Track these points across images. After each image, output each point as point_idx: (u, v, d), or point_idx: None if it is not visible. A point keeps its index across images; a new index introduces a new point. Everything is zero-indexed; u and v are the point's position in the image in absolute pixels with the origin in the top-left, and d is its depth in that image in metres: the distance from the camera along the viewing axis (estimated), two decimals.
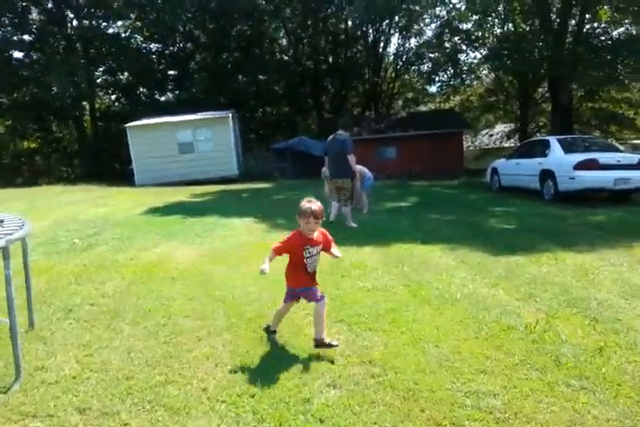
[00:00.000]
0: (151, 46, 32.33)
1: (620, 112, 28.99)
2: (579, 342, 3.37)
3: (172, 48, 32.49)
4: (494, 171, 13.63)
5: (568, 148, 10.82)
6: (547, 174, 10.73)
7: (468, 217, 8.82)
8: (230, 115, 20.09)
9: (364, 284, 4.77)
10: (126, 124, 20.20)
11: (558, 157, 10.54)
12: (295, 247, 3.54)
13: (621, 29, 20.11)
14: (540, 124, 33.59)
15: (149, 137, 19.46)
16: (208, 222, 8.44)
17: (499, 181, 13.35)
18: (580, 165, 9.86)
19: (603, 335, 3.49)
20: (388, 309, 4.08)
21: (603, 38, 19.31)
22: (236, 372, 3.09)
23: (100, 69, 30.16)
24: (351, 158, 7.94)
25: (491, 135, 37.20)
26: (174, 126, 19.81)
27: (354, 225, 8.08)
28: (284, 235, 6.94)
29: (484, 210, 9.77)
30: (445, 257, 5.83)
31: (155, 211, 10.25)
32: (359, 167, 9.55)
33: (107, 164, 29.33)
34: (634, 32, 18.67)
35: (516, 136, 33.36)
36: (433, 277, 4.95)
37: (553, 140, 11.19)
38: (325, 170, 10.28)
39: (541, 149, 11.44)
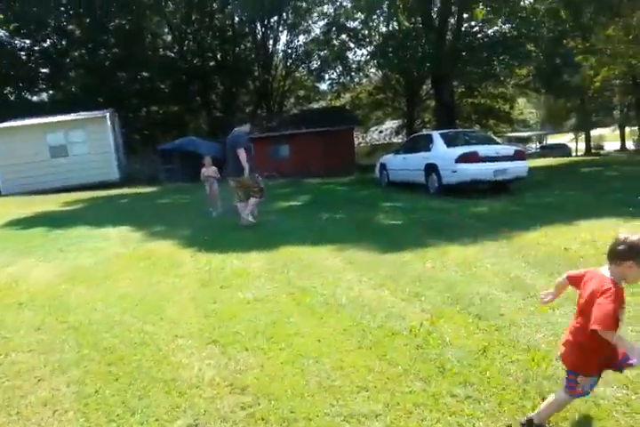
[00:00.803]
0: (17, 42, 29.28)
1: (497, 106, 31.07)
2: (463, 344, 3.22)
3: (42, 43, 29.69)
4: (383, 166, 13.82)
5: (450, 142, 11.14)
6: (431, 168, 10.98)
7: (357, 214, 8.72)
8: (108, 114, 18.63)
9: (245, 295, 4.36)
10: None
11: (441, 151, 10.81)
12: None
13: (496, 28, 21.41)
14: (426, 119, 35.19)
15: (16, 141, 17.47)
16: (75, 234, 7.56)
17: (387, 176, 13.54)
18: (462, 158, 10.17)
19: (486, 333, 3.38)
20: (268, 322, 3.71)
21: (479, 36, 20.43)
22: (78, 420, 2.55)
23: None
24: (240, 153, 7.39)
25: (380, 131, 38.40)
26: (44, 128, 17.97)
27: (252, 220, 7.65)
28: (158, 245, 6.33)
29: (373, 206, 9.76)
30: (333, 258, 5.58)
31: (16, 223, 9.08)
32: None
33: None
34: (507, 31, 19.91)
35: (404, 132, 34.71)
36: (319, 282, 4.66)
37: (436, 135, 11.48)
38: (204, 170, 9.69)
39: (425, 143, 11.70)
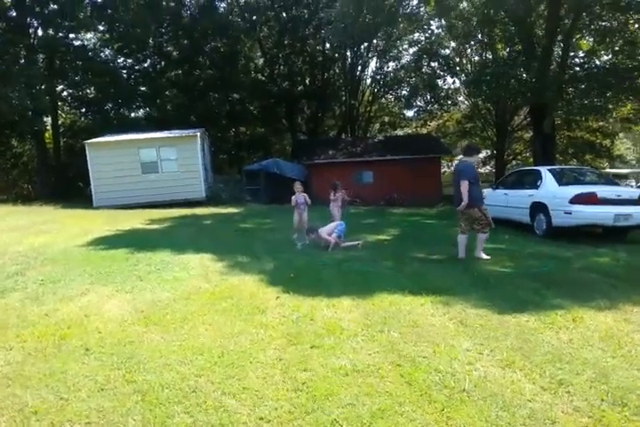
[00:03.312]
0: (120, 61, 31.09)
1: (598, 141, 28.95)
2: None
3: (142, 63, 31.31)
4: None
5: (561, 179, 10.00)
6: (539, 208, 9.85)
7: (456, 256, 7.79)
8: (199, 133, 18.90)
9: (341, 361, 3.62)
10: (85, 141, 18.80)
11: (552, 190, 9.68)
12: None
13: (605, 58, 19.87)
14: (517, 151, 33.45)
15: (110, 155, 18.07)
16: (157, 260, 7.19)
17: None
18: (578, 199, 9.00)
19: None
20: (374, 410, 2.94)
21: (587, 66, 18.96)
22: None
23: (65, 83, 28.65)
24: (463, 184, 7.21)
25: None
26: (137, 144, 18.48)
27: (485, 257, 7.45)
28: (240, 280, 5.80)
29: (471, 247, 8.75)
30: (439, 315, 4.73)
31: (100, 241, 8.94)
32: (325, 229, 8.55)
33: (70, 183, 27.68)
34: (618, 61, 18.33)
35: (492, 163, 33.13)
36: (429, 350, 3.84)
37: (545, 171, 10.35)
38: (295, 197, 9.20)
39: (531, 179, 10.59)
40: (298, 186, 9.33)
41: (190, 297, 5.27)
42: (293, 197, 9.23)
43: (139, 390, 3.17)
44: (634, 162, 56.51)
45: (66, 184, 27.32)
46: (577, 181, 10.17)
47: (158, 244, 8.54)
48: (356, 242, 8.68)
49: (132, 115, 32.06)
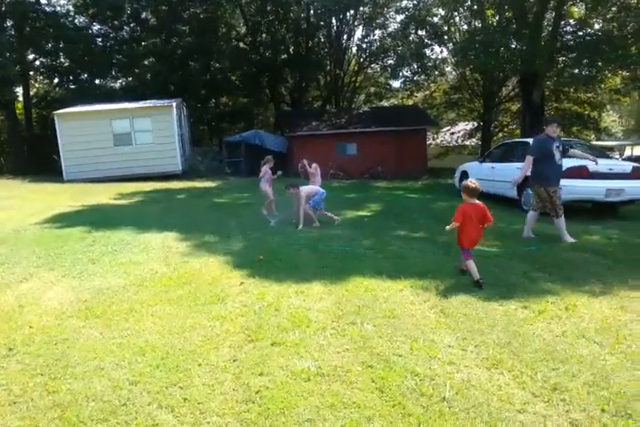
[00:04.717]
0: (95, 28, 29.52)
1: (586, 113, 28.48)
2: None
3: (118, 31, 29.76)
4: (464, 174, 12.23)
5: None
6: (527, 182, 9.35)
7: (440, 234, 7.29)
8: (174, 104, 17.99)
9: (304, 363, 3.13)
10: (55, 112, 17.83)
11: None
12: None
13: (597, 27, 19.15)
14: (504, 123, 32.90)
15: (81, 126, 17.13)
16: (116, 239, 6.61)
17: None
18: (568, 173, 8.48)
19: None
20: None
21: (581, 34, 18.23)
22: None
23: (36, 51, 27.18)
24: (526, 160, 6.91)
25: (452, 133, 36.25)
26: (110, 115, 17.53)
27: (570, 240, 6.70)
28: (204, 262, 5.22)
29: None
30: (419, 303, 4.26)
31: (59, 219, 8.32)
32: (307, 188, 8.16)
33: (43, 155, 26.57)
34: (612, 28, 17.62)
35: (478, 135, 32.60)
36: (406, 347, 3.36)
37: None
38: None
39: (520, 152, 10.04)
40: (269, 157, 8.90)
41: (144, 283, 4.73)
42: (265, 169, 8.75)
43: (59, 404, 2.66)
44: (619, 134, 56.33)
45: (39, 157, 26.23)
46: (566, 154, 9.65)
47: (121, 221, 7.96)
48: (336, 217, 8.18)
49: (109, 85, 30.72)
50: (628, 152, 42.89)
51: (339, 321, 3.83)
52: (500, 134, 33.44)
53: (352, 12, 30.17)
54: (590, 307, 4.18)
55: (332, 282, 4.80)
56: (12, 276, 4.97)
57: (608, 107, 41.58)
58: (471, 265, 4.79)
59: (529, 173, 7.12)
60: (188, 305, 4.15)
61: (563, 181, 8.52)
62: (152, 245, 6.34)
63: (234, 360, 3.18)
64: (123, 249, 6.09)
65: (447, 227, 5.03)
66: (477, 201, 5.02)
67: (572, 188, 8.46)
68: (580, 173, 8.60)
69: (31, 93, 29.23)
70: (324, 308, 4.12)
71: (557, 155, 6.84)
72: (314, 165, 9.78)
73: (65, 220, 8.18)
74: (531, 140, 10.15)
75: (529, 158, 6.80)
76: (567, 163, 8.76)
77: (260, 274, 5.04)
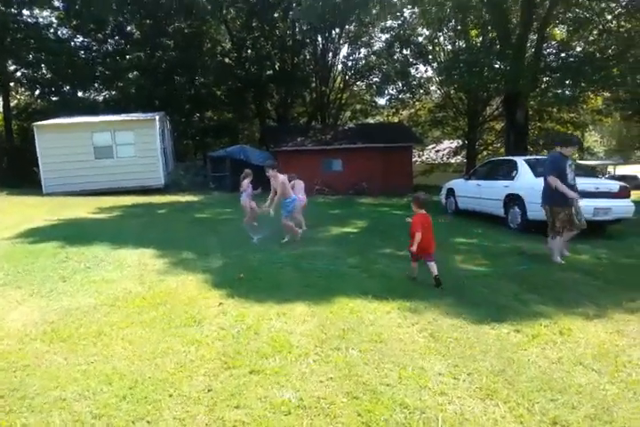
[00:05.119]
0: (78, 41, 29.26)
1: (570, 132, 28.88)
2: None
3: (101, 44, 29.55)
4: (450, 192, 12.16)
5: (538, 170, 9.42)
6: (513, 200, 9.30)
7: None
8: (157, 117, 17.76)
9: (284, 393, 2.89)
10: (34, 123, 17.47)
11: (528, 181, 9.11)
12: None
13: (579, 49, 19.50)
14: (488, 141, 33.22)
15: (61, 138, 16.76)
16: (90, 255, 6.31)
17: (455, 203, 11.87)
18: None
19: None
20: None
21: (562, 56, 18.52)
22: None
23: (17, 62, 26.82)
24: (551, 180, 6.50)
25: (437, 151, 36.51)
26: (91, 127, 17.21)
27: (559, 261, 6.51)
28: (181, 281, 4.98)
29: (443, 242, 8.10)
30: (407, 326, 4.05)
31: (33, 233, 7.98)
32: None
33: (23, 168, 26.00)
34: (594, 50, 17.94)
35: (463, 153, 32.84)
36: (394, 375, 3.14)
37: (520, 162, 9.78)
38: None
39: (507, 170, 10.03)
40: (248, 171, 8.65)
41: (115, 304, 4.45)
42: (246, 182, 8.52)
43: None
44: (601, 154, 57.28)
45: (19, 169, 25.66)
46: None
47: (98, 236, 7.65)
48: (300, 229, 8.00)
49: (92, 97, 30.40)
50: (610, 171, 43.62)
51: (322, 346, 3.60)
52: (485, 152, 33.74)
53: (337, 30, 30.46)
54: (585, 331, 4.01)
55: (316, 303, 4.57)
56: None
57: (590, 127, 42.37)
58: (414, 266, 5.44)
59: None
60: (162, 328, 3.89)
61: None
62: (127, 261, 6.05)
63: (208, 390, 2.92)
64: (96, 266, 5.80)
65: (412, 246, 5.24)
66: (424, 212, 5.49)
67: None
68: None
69: (12, 105, 28.78)
70: (307, 331, 3.89)
71: (571, 174, 6.68)
72: (293, 182, 9.52)
73: (39, 234, 7.85)
74: (517, 159, 10.17)
75: (552, 178, 6.47)
76: None
77: (240, 294, 4.80)
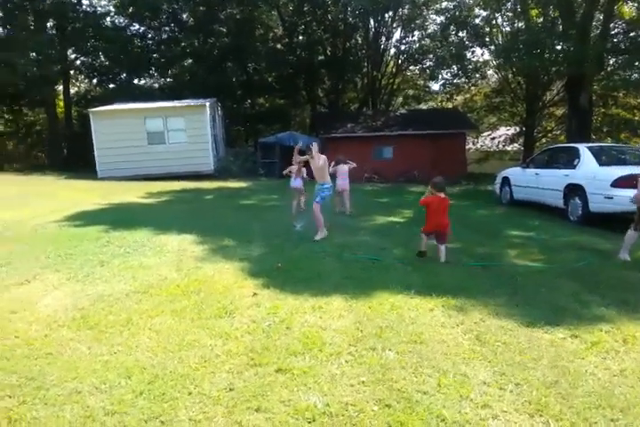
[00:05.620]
0: (134, 28, 29.88)
1: (637, 119, 27.05)
2: None
3: (156, 31, 30.05)
4: (506, 181, 11.54)
5: (602, 158, 8.76)
6: (574, 190, 8.67)
7: (477, 246, 6.73)
8: (208, 103, 17.85)
9: (310, 397, 2.67)
10: (89, 109, 17.95)
11: (591, 170, 8.46)
12: None
13: None
14: (547, 128, 31.63)
15: (115, 124, 17.17)
16: (131, 240, 6.31)
17: (510, 193, 11.25)
18: (621, 182, 7.79)
19: None
20: None
21: (632, 35, 17.18)
22: None
23: (77, 50, 27.69)
24: None
25: (493, 138, 35.16)
26: (144, 113, 17.53)
27: (626, 258, 5.97)
28: (218, 269, 4.77)
29: (496, 234, 7.69)
30: (451, 326, 3.73)
31: (80, 216, 8.12)
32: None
33: (81, 153, 26.99)
34: None
35: (521, 140, 31.46)
36: (433, 382, 2.86)
37: (583, 149, 9.10)
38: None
39: (568, 158, 9.37)
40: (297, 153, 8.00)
41: (149, 291, 4.36)
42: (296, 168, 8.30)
43: None
44: None
45: (77, 154, 26.67)
46: (619, 162, 8.90)
47: (143, 221, 7.68)
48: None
49: (146, 84, 31.09)
50: None
51: (357, 345, 3.35)
52: (544, 140, 32.17)
53: (390, 13, 29.61)
54: None
55: (355, 296, 4.32)
56: (14, 277, 4.69)
57: None
58: (423, 241, 5.79)
59: None
60: (192, 318, 3.75)
61: (616, 191, 7.86)
62: (167, 247, 6.00)
63: (230, 389, 2.74)
64: (136, 251, 5.77)
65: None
66: (443, 195, 5.76)
67: (625, 198, 7.71)
68: (635, 182, 7.84)
69: (72, 92, 29.84)
70: (342, 328, 3.65)
71: None
72: (336, 167, 9.24)
73: (86, 218, 7.97)
74: (579, 146, 9.47)
75: None
76: (617, 172, 8.08)
77: (276, 284, 4.61)
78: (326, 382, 2.83)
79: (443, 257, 5.63)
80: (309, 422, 2.44)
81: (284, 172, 9.11)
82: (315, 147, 6.92)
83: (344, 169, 9.24)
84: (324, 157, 6.87)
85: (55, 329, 3.50)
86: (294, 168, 8.59)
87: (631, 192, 7.79)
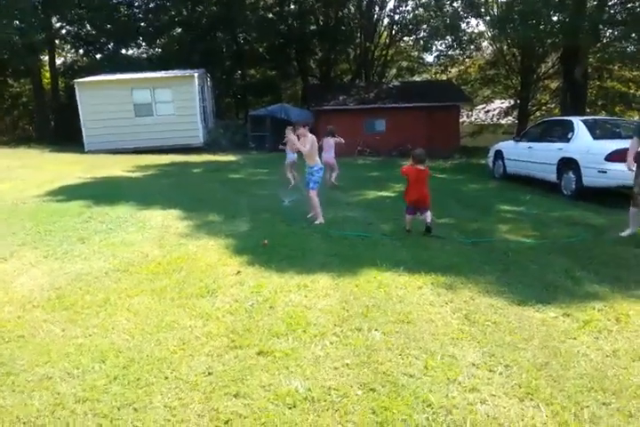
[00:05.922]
0: None
1: (631, 92, 26.75)
2: None
3: None
4: (498, 155, 11.36)
5: (597, 132, 8.59)
6: (568, 164, 8.53)
7: (468, 221, 6.62)
8: (196, 74, 17.35)
9: (292, 382, 2.56)
10: (75, 80, 17.43)
11: (585, 144, 8.30)
12: None
13: None
14: (542, 101, 31.27)
15: (101, 95, 16.67)
16: (114, 216, 6.13)
17: (503, 166, 11.09)
18: (615, 156, 7.64)
19: None
20: None
21: (630, 6, 16.73)
22: None
23: (62, 18, 26.70)
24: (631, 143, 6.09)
25: (487, 111, 34.76)
26: (130, 84, 17.02)
27: (626, 234, 5.87)
28: (202, 246, 4.53)
29: (488, 209, 7.57)
30: (440, 305, 3.64)
31: (62, 191, 7.91)
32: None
33: (68, 125, 26.37)
34: None
35: (515, 113, 31.15)
36: (419, 365, 2.76)
37: (577, 122, 8.91)
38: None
39: (562, 131, 9.19)
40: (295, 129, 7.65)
41: (129, 269, 4.21)
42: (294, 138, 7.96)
43: None
44: None
45: (64, 126, 26.05)
46: (614, 135, 8.72)
47: (127, 196, 7.50)
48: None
49: (134, 54, 30.21)
50: None
51: (342, 325, 3.25)
52: (538, 113, 31.83)
53: None
54: None
55: (341, 274, 4.21)
56: None
57: None
58: (408, 218, 5.75)
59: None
60: (172, 298, 3.62)
61: (610, 165, 7.73)
62: (150, 223, 5.83)
63: (208, 374, 2.63)
64: (118, 227, 5.60)
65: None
66: (422, 167, 5.76)
67: (619, 172, 7.58)
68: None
69: (58, 62, 28.96)
70: (328, 307, 3.54)
71: None
72: (322, 140, 8.89)
73: (68, 192, 7.76)
74: (573, 119, 9.29)
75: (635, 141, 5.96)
76: (611, 145, 7.94)
77: (261, 261, 4.48)
78: (309, 366, 2.73)
79: (428, 218, 5.59)
80: (290, 409, 2.34)
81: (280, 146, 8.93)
82: (302, 130, 6.44)
83: (330, 143, 9.01)
84: (311, 138, 6.32)
85: (29, 310, 3.37)
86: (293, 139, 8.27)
87: (625, 166, 7.70)
